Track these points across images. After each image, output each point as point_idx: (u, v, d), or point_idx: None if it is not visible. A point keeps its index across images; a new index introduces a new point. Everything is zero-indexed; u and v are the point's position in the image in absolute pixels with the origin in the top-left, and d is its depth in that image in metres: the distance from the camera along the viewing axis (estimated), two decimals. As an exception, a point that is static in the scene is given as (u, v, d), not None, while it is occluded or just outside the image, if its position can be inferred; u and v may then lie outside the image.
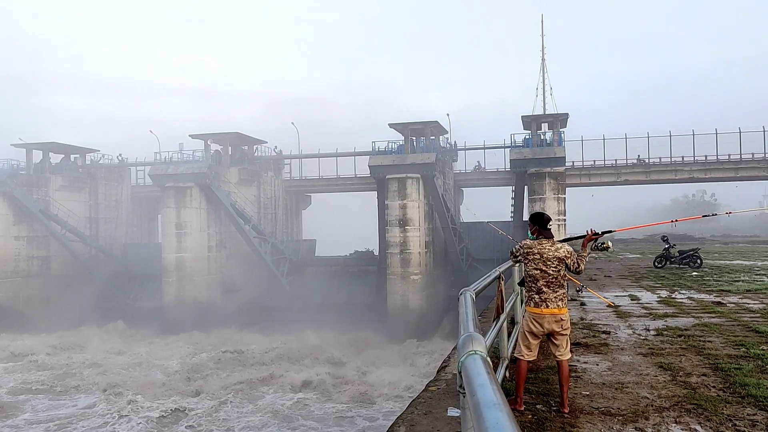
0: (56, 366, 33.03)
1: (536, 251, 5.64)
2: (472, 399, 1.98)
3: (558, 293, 5.61)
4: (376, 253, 44.37)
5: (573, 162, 42.50)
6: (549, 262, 5.61)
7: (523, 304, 5.96)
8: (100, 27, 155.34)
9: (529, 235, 5.87)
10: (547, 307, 5.56)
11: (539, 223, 5.80)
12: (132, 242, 49.48)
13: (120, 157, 49.60)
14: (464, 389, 2.40)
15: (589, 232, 5.86)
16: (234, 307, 41.39)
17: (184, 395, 26.54)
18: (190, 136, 43.99)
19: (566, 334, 5.64)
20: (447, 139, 44.60)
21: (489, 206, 46.89)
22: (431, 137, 42.13)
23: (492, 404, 1.87)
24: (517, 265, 6.67)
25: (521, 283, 5.86)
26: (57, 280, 44.63)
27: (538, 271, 5.61)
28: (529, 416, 5.44)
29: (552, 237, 5.80)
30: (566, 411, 5.59)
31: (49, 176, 45.33)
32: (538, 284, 5.61)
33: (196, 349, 35.82)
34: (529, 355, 5.60)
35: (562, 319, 5.59)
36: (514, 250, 5.85)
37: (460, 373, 2.48)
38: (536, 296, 5.62)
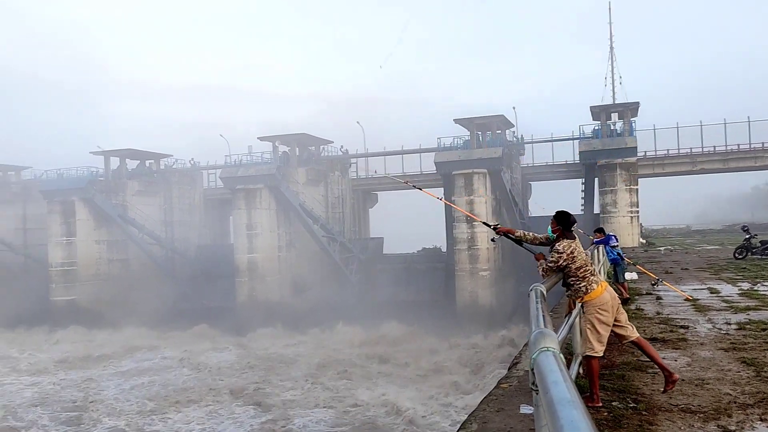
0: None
1: (574, 247, 5.54)
2: (546, 396, 1.93)
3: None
4: (444, 249, 44.14)
5: (645, 152, 40.94)
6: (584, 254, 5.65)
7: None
8: (167, 36, 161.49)
9: (549, 232, 5.71)
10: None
11: (564, 224, 5.60)
12: (205, 244, 51.10)
13: (192, 162, 51.34)
14: (537, 386, 2.35)
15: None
16: (305, 305, 42.06)
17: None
18: (258, 138, 45.05)
19: (625, 313, 5.70)
20: (513, 132, 43.88)
21: (558, 200, 45.82)
22: (497, 131, 41.54)
23: (566, 401, 1.80)
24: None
25: (565, 284, 5.66)
26: (136, 281, 46.55)
27: (583, 262, 5.54)
28: (605, 413, 5.23)
29: (575, 239, 5.62)
30: (676, 377, 5.56)
31: (126, 182, 47.40)
32: (588, 271, 5.54)
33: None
34: (601, 349, 5.44)
35: (619, 301, 5.71)
36: (554, 261, 5.57)
37: (532, 370, 2.42)
38: (592, 277, 5.53)
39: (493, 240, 6.59)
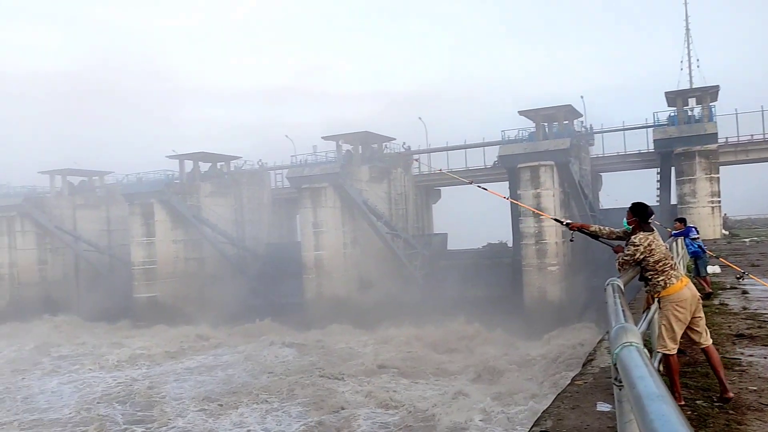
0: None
1: (652, 240, 5.36)
2: (632, 391, 1.92)
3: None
4: (510, 244, 43.53)
5: (726, 138, 38.99)
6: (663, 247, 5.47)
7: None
8: (232, 44, 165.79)
9: (625, 224, 5.52)
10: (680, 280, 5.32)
11: (641, 216, 5.40)
12: (274, 242, 52.36)
13: (260, 162, 52.71)
14: (620, 382, 2.34)
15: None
16: (371, 301, 42.41)
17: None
18: (322, 138, 45.71)
19: (703, 317, 5.43)
20: (581, 122, 42.77)
21: (631, 191, 44.28)
22: (564, 122, 40.59)
23: (655, 396, 1.78)
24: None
25: (642, 278, 5.47)
26: (210, 279, 48.27)
27: (662, 256, 5.36)
28: (689, 412, 5.05)
29: (653, 231, 5.42)
30: (730, 395, 5.23)
31: (200, 184, 49.09)
32: (667, 265, 5.37)
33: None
34: (674, 347, 5.25)
35: (699, 300, 5.42)
36: (630, 255, 5.39)
37: (614, 365, 2.40)
38: (671, 271, 5.35)
39: (571, 240, 6.44)
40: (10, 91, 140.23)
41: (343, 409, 24.23)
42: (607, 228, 5.90)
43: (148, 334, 42.36)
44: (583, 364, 7.34)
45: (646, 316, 5.51)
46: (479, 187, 8.88)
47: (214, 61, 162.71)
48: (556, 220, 6.84)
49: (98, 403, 26.59)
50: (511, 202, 10.78)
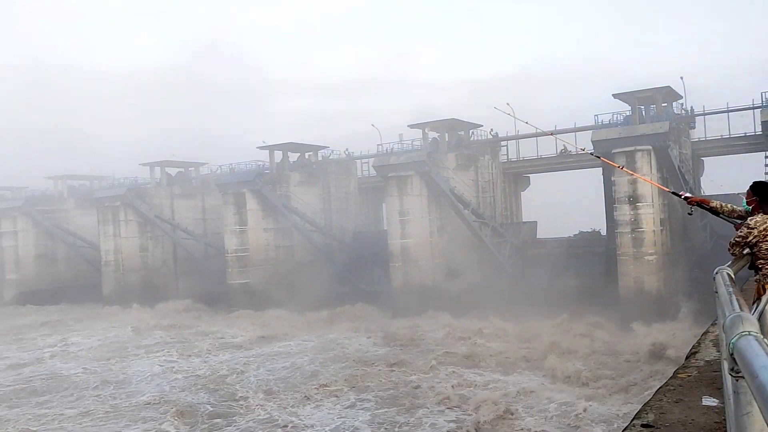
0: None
1: None
2: (754, 382, 1.80)
3: None
4: (603, 233, 41.89)
5: None
6: None
7: None
8: (317, 35, 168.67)
9: (744, 204, 4.94)
10: None
11: (762, 196, 4.82)
12: (361, 230, 53.00)
13: (347, 152, 53.40)
14: (737, 372, 2.14)
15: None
16: (458, 290, 42.08)
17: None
18: (408, 126, 45.64)
19: None
20: (681, 104, 40.40)
21: (736, 176, 41.40)
22: (662, 104, 38.47)
23: None
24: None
25: (753, 267, 4.92)
26: (299, 266, 49.52)
27: None
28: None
29: None
30: None
31: (289, 173, 50.34)
32: None
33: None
34: None
35: None
36: (742, 237, 4.86)
37: (731, 355, 2.18)
38: None
39: (690, 213, 5.96)
40: (113, 88, 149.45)
41: (416, 404, 23.55)
42: (729, 205, 5.40)
43: (241, 319, 43.92)
44: (687, 357, 6.84)
45: (757, 306, 5.00)
46: (593, 155, 8.49)
47: (301, 53, 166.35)
48: (674, 193, 6.36)
49: (181, 390, 27.13)
50: (629, 174, 10.35)
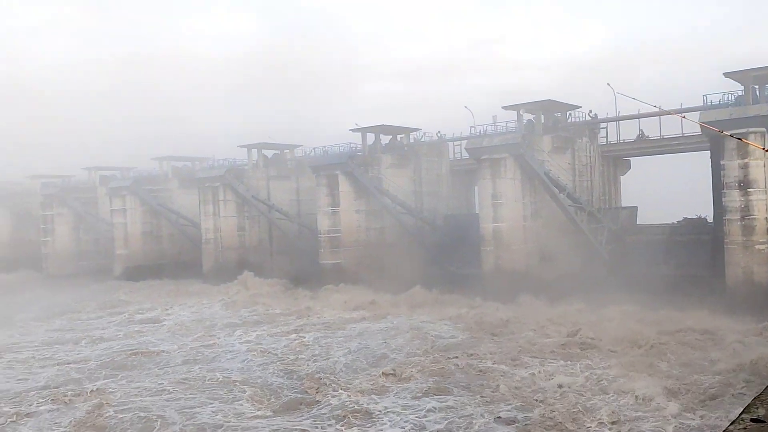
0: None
1: None
2: None
3: None
4: (710, 220, 39.67)
5: None
6: None
7: None
8: (409, 17, 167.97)
9: None
10: None
11: None
12: (452, 213, 52.78)
13: (439, 134, 53.15)
14: None
15: None
16: (551, 276, 41.17)
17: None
18: (502, 107, 44.75)
19: None
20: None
21: None
22: (780, 83, 35.81)
23: None
24: None
25: None
26: (390, 248, 50.00)
27: None
28: None
29: None
30: None
31: (381, 156, 50.79)
32: None
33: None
34: None
35: None
36: None
37: None
38: None
39: None
40: (213, 74, 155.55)
41: (517, 398, 22.56)
42: None
43: (330, 300, 44.66)
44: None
45: None
46: (733, 136, 7.96)
47: (392, 35, 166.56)
48: None
49: (263, 369, 27.50)
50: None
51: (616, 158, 47.80)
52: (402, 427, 20.06)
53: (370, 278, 47.41)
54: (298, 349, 31.32)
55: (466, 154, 47.44)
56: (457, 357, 28.23)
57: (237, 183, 58.16)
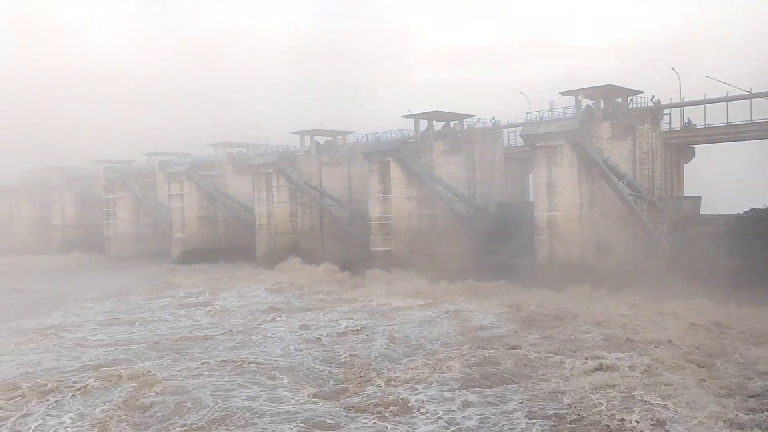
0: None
1: None
2: None
3: None
4: (781, 211, 37.57)
5: None
6: None
7: None
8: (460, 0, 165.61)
9: None
10: None
11: None
12: (505, 201, 51.80)
13: (493, 121, 52.17)
14: None
15: None
16: (607, 267, 39.89)
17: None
18: (560, 93, 43.49)
19: None
20: None
21: None
22: None
23: None
24: None
25: None
26: (441, 236, 49.54)
27: None
28: None
29: None
30: None
31: (433, 142, 50.22)
32: None
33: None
34: None
35: None
36: None
37: None
38: None
39: None
40: (268, 61, 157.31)
41: (557, 394, 21.42)
42: None
43: (379, 287, 44.38)
44: None
45: None
46: None
47: (445, 19, 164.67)
48: None
49: (305, 355, 27.39)
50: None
51: (680, 146, 45.76)
52: (434, 423, 19.38)
53: (419, 265, 47.00)
54: (342, 335, 31.19)
55: (520, 141, 46.35)
56: (499, 348, 27.43)
57: (290, 169, 58.60)
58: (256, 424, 19.59)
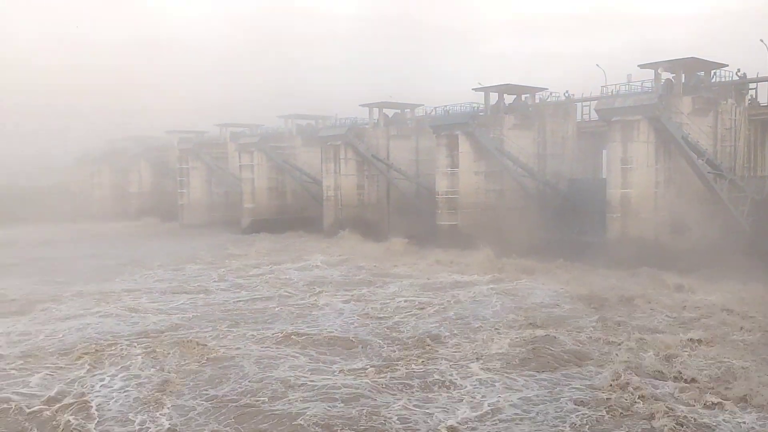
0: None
1: None
2: None
3: None
4: None
5: None
6: None
7: None
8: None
9: None
10: None
11: None
12: (577, 177, 50.74)
13: (566, 94, 50.88)
14: None
15: None
16: (683, 248, 38.60)
17: None
18: (638, 66, 41.88)
19: None
20: None
21: None
22: None
23: None
24: None
25: None
26: (508, 212, 49.03)
27: None
28: None
29: None
30: None
31: (503, 116, 49.54)
32: None
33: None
34: None
35: None
36: None
37: None
38: None
39: None
40: (337, 32, 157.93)
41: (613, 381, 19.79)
42: None
43: (442, 261, 44.23)
44: None
45: None
46: None
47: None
48: None
49: (358, 328, 27.20)
50: None
51: (765, 122, 43.50)
52: (478, 402, 18.60)
53: (486, 241, 46.59)
54: (400, 310, 30.73)
55: (595, 116, 45.11)
56: (559, 329, 26.41)
57: (358, 142, 59.09)
58: (286, 398, 18.97)
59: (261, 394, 19.44)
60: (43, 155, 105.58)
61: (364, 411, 17.94)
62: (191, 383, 20.45)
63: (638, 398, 18.44)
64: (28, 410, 18.35)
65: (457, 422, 17.34)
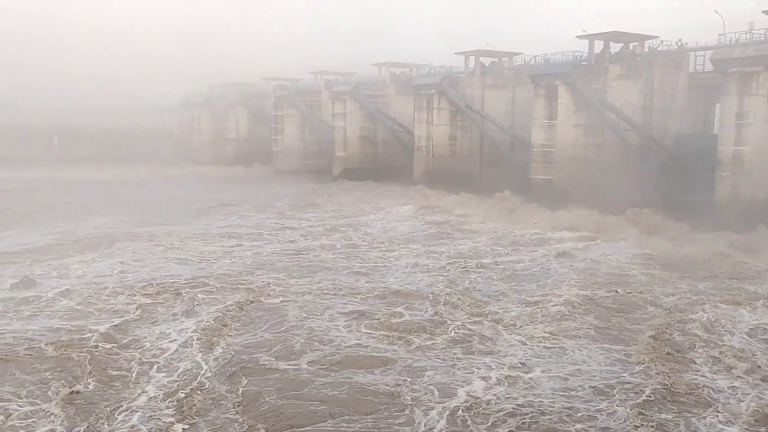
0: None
1: None
2: None
3: None
4: None
5: None
6: None
7: None
8: None
9: None
10: None
11: None
12: (685, 133, 47.79)
13: (679, 43, 47.41)
14: None
15: None
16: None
17: None
18: (762, 12, 38.46)
19: None
20: None
21: None
22: None
23: None
24: None
25: None
26: (608, 167, 46.86)
27: None
28: None
29: None
30: None
31: (608, 66, 46.94)
32: None
33: None
34: None
35: None
36: None
37: None
38: None
39: None
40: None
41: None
42: None
43: (535, 217, 43.16)
44: None
45: None
46: None
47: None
48: None
49: (419, 284, 26.32)
50: None
51: None
52: (513, 366, 17.44)
53: (581, 198, 44.96)
54: (476, 268, 29.19)
55: (709, 67, 41.92)
56: (643, 293, 24.58)
57: (452, 91, 58.04)
58: (306, 353, 18.23)
59: (288, 345, 18.91)
60: (148, 100, 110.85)
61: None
62: (230, 331, 20.21)
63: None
64: (90, 345, 18.40)
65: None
